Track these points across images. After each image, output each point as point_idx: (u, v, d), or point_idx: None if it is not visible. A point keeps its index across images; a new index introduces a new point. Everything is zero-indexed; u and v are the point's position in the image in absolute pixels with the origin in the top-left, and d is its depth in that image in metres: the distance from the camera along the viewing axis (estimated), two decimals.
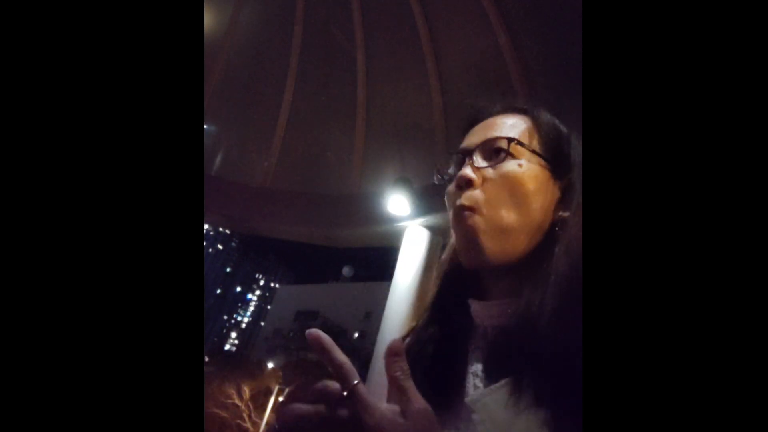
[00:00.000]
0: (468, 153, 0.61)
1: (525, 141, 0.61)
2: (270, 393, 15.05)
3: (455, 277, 0.65)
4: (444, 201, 0.64)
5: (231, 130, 3.86)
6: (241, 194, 3.63)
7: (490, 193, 0.57)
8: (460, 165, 0.62)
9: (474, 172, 0.59)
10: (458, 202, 0.58)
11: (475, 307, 0.61)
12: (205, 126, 3.59)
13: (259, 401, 15.41)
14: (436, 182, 0.68)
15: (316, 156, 3.80)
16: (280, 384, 14.87)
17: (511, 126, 0.63)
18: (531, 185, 0.58)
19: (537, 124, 0.63)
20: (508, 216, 0.57)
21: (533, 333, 0.51)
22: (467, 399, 0.53)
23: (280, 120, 3.72)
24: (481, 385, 0.55)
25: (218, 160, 3.75)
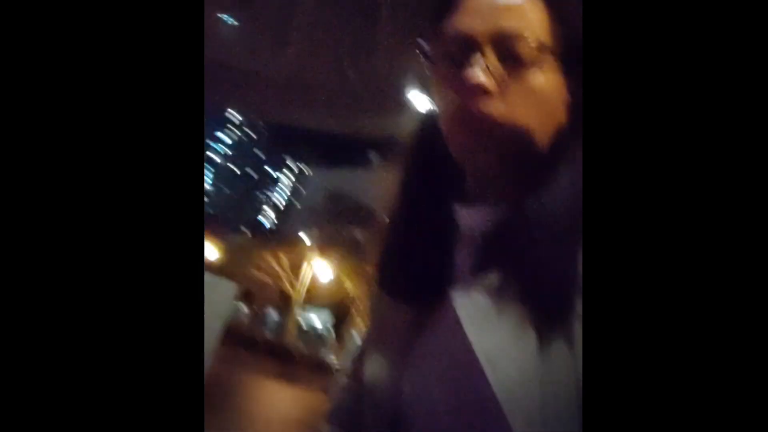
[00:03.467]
0: (474, 45, 0.49)
1: (548, 41, 0.50)
2: (304, 263, 16.04)
3: (435, 173, 0.58)
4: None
5: (256, 21, 3.79)
6: (267, 84, 3.66)
7: (508, 107, 0.49)
8: (461, 51, 0.50)
9: (487, 75, 0.48)
10: (469, 108, 0.49)
11: (464, 213, 0.55)
12: (230, 18, 3.54)
13: (296, 271, 16.53)
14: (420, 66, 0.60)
15: (337, 48, 3.75)
16: (314, 254, 15.77)
17: (530, 14, 0.51)
18: (554, 99, 0.51)
19: (555, 10, 0.51)
20: (527, 128, 0.50)
21: (527, 238, 0.48)
22: (452, 291, 0.51)
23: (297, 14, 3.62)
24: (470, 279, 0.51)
25: (243, 51, 3.74)
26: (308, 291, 16.25)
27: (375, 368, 0.55)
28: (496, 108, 0.49)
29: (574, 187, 0.48)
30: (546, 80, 0.51)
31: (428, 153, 0.57)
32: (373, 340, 0.59)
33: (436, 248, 0.56)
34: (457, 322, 0.49)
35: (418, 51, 0.54)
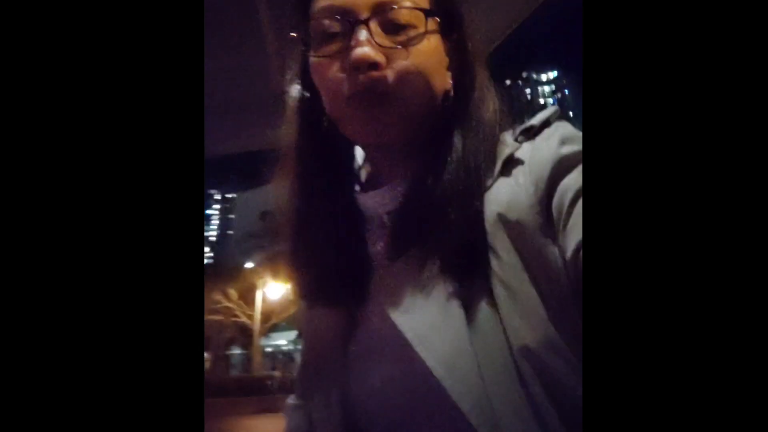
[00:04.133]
0: (354, 19, 0.47)
1: (426, 4, 0.49)
2: (255, 289, 15.61)
3: (326, 166, 0.54)
4: None
5: None
6: None
7: (398, 77, 0.47)
8: (342, 31, 0.48)
9: (373, 48, 0.46)
10: (360, 85, 0.47)
11: (366, 200, 0.53)
12: None
13: (247, 299, 16.02)
14: (302, 50, 0.53)
15: (231, 60, 3.59)
16: (262, 278, 15.38)
17: None
18: (436, 60, 0.50)
19: None
20: (419, 97, 0.49)
21: (431, 209, 0.47)
22: (372, 282, 0.50)
23: None
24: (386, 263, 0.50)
25: None
26: (264, 315, 15.86)
27: (317, 379, 0.53)
28: (386, 81, 0.47)
29: (467, 149, 0.49)
30: (430, 45, 0.49)
31: (316, 146, 0.54)
32: (310, 351, 0.56)
33: (345, 242, 0.53)
34: (384, 312, 0.48)
35: (297, 42, 0.53)
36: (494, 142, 0.51)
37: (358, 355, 0.50)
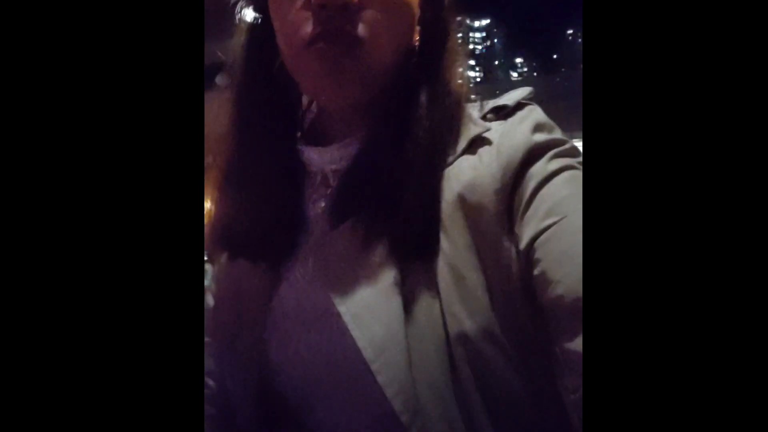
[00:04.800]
0: None
1: None
2: None
3: (271, 110, 0.50)
4: None
5: None
6: None
7: (369, 23, 0.43)
8: None
9: None
10: (325, 27, 0.42)
11: (310, 154, 0.49)
12: None
13: None
14: None
15: None
16: None
17: None
18: (408, 10, 0.46)
19: None
20: (389, 46, 0.45)
21: (380, 171, 0.44)
22: (309, 243, 0.47)
23: None
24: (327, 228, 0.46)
25: None
26: None
27: (231, 330, 0.48)
28: (356, 26, 0.42)
29: (431, 117, 0.45)
30: None
31: (260, 86, 0.49)
32: (225, 300, 0.51)
33: (281, 193, 0.48)
34: (314, 277, 0.45)
35: None
36: (459, 114, 0.48)
37: (281, 314, 0.46)
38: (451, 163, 0.46)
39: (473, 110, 0.49)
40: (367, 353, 0.40)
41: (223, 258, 0.52)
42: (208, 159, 0.51)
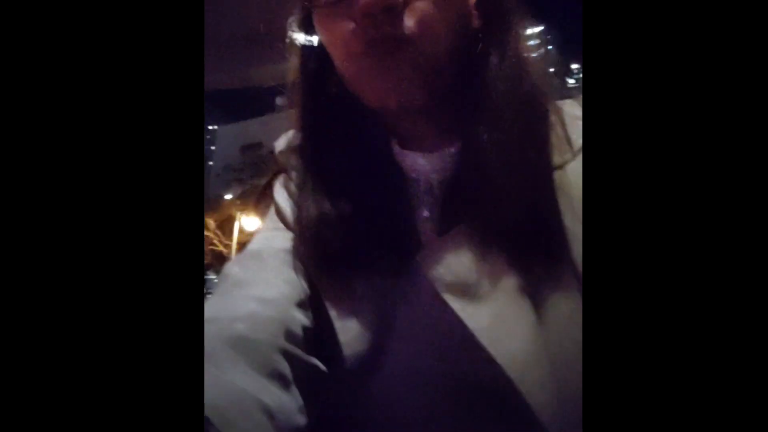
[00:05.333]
0: None
1: None
2: (233, 220, 15.68)
3: (369, 119, 0.47)
4: None
5: None
6: None
7: (416, 16, 0.40)
8: None
9: None
10: (374, 35, 0.40)
11: (414, 160, 0.46)
12: None
13: (225, 229, 16.11)
14: (299, 7, 0.47)
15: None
16: (240, 210, 15.42)
17: None
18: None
19: None
20: (443, 38, 0.42)
21: (487, 176, 0.42)
22: (419, 256, 0.43)
23: None
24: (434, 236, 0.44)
25: None
26: (241, 245, 15.88)
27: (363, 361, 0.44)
28: (405, 26, 0.40)
29: (517, 102, 0.42)
30: None
31: (330, 102, 0.47)
32: (344, 331, 0.45)
33: (387, 203, 0.45)
34: (437, 296, 0.41)
35: None
36: (551, 107, 0.45)
37: (403, 336, 0.43)
38: (566, 163, 0.43)
39: (574, 108, 0.46)
40: (510, 371, 0.37)
41: (331, 278, 0.46)
42: (283, 176, 0.50)
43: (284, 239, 0.49)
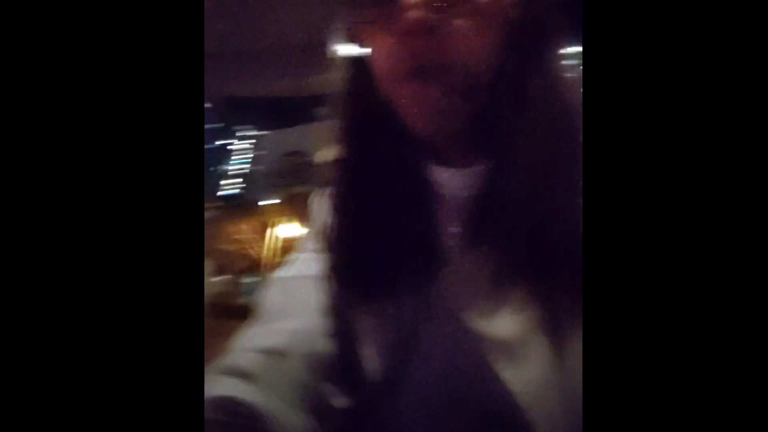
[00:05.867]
0: None
1: None
2: (266, 227, 15.99)
3: (398, 134, 0.46)
4: None
5: None
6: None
7: (457, 38, 0.39)
8: None
9: (425, 7, 0.38)
10: (415, 55, 0.40)
11: (444, 176, 0.46)
12: None
13: (263, 234, 16.44)
14: (344, 19, 0.47)
15: (266, 10, 3.64)
16: (276, 217, 15.72)
17: None
18: (503, 14, 0.42)
19: None
20: (483, 64, 0.41)
21: (518, 198, 0.41)
22: (442, 273, 0.43)
23: None
24: (463, 260, 0.44)
25: None
26: (274, 250, 16.14)
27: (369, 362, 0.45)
28: (445, 44, 0.39)
29: (553, 121, 0.41)
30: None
31: (370, 115, 0.47)
32: (367, 352, 0.45)
33: (415, 221, 0.45)
34: (458, 316, 0.41)
35: (340, 3, 0.45)
36: (578, 128, 0.43)
37: (423, 355, 0.43)
38: None
39: None
40: (522, 399, 0.37)
41: (361, 297, 0.47)
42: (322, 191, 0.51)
43: (317, 264, 0.50)
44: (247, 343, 0.44)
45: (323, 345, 0.46)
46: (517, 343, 0.39)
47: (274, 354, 0.42)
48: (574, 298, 0.38)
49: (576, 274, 0.37)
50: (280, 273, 0.54)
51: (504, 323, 0.39)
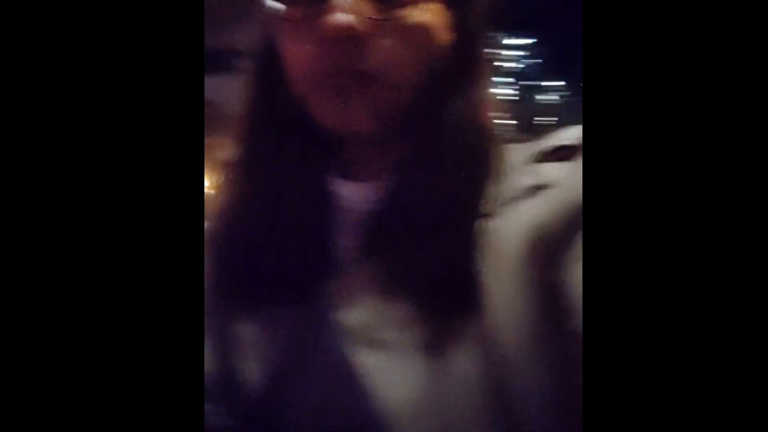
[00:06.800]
0: None
1: None
2: None
3: (291, 135, 0.45)
4: None
5: None
6: None
7: (384, 55, 0.39)
8: None
9: (352, 15, 0.37)
10: (334, 61, 0.39)
11: (345, 188, 0.45)
12: None
13: None
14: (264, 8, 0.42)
15: None
16: None
17: None
18: (434, 35, 0.41)
19: None
20: (407, 75, 0.41)
21: (415, 216, 0.41)
22: (327, 285, 0.42)
23: None
24: (357, 272, 0.42)
25: None
26: None
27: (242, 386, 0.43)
28: (368, 56, 0.39)
29: (470, 156, 0.41)
30: (429, 15, 0.40)
31: (276, 120, 0.45)
32: (234, 353, 0.44)
33: (312, 230, 0.44)
34: (339, 330, 0.40)
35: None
36: (498, 157, 0.43)
37: (307, 365, 0.42)
38: (498, 212, 0.41)
39: (518, 154, 0.44)
40: (394, 419, 0.37)
41: (243, 304, 0.45)
42: (214, 186, 0.48)
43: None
44: None
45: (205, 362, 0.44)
46: (391, 362, 0.39)
47: None
48: (462, 319, 0.38)
49: (467, 296, 0.38)
50: None
51: (378, 339, 0.39)
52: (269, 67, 0.45)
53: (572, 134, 0.42)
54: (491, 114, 0.45)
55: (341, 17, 0.37)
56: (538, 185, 0.41)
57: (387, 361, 0.38)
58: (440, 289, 0.39)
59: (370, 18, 0.38)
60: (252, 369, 0.43)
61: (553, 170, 0.41)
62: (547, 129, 0.45)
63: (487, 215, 0.41)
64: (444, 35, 0.42)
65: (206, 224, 0.47)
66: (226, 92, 0.49)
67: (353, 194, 0.45)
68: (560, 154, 0.42)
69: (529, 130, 0.47)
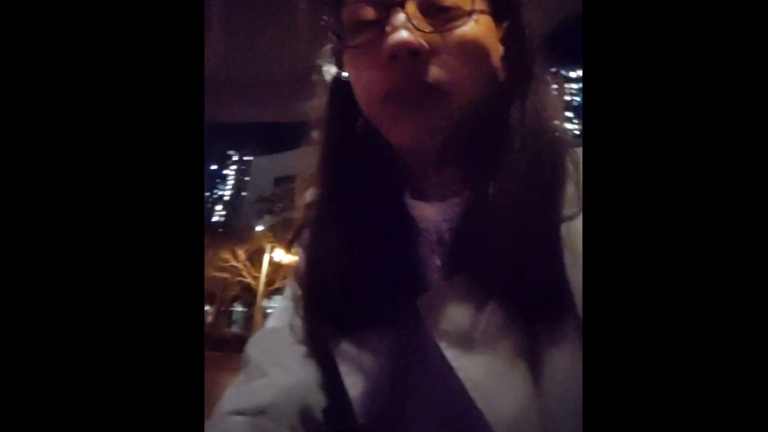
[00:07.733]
0: (392, 2, 0.41)
1: None
2: (263, 251, 15.84)
3: (368, 162, 0.46)
4: None
5: None
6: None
7: (443, 66, 0.40)
8: (377, 18, 0.42)
9: (412, 33, 0.39)
10: (398, 77, 0.40)
11: (423, 210, 0.46)
12: None
13: (254, 260, 16.28)
14: (331, 44, 0.48)
15: (262, 34, 3.66)
16: (271, 242, 15.59)
17: None
18: (487, 47, 0.42)
19: None
20: (467, 89, 0.42)
21: (495, 228, 0.41)
22: (420, 300, 0.42)
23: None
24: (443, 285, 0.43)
25: None
26: (269, 277, 16.11)
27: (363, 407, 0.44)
28: (429, 71, 0.40)
29: (538, 165, 0.42)
30: (479, 29, 0.42)
31: (351, 147, 0.47)
32: (356, 387, 0.44)
33: (396, 254, 0.45)
34: (436, 347, 0.40)
35: (327, 29, 0.45)
36: (569, 155, 0.44)
37: (407, 388, 0.43)
38: (575, 215, 0.41)
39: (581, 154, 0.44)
40: (498, 430, 0.37)
41: (343, 335, 0.46)
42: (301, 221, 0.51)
43: (300, 311, 0.51)
44: (230, 405, 0.44)
45: (311, 396, 0.46)
46: (491, 371, 0.39)
47: (259, 414, 0.42)
48: (548, 324, 0.38)
49: (554, 304, 0.38)
50: (266, 323, 0.55)
51: (477, 350, 0.39)
52: (341, 94, 0.47)
53: None
54: (557, 118, 0.45)
55: (402, 34, 0.39)
56: None
57: (490, 369, 0.38)
58: (533, 295, 0.39)
59: (425, 32, 0.40)
60: (359, 386, 0.44)
61: None
62: None
63: (569, 218, 0.41)
64: (497, 46, 0.44)
65: (299, 255, 0.52)
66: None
67: (430, 215, 0.46)
68: None
69: None
